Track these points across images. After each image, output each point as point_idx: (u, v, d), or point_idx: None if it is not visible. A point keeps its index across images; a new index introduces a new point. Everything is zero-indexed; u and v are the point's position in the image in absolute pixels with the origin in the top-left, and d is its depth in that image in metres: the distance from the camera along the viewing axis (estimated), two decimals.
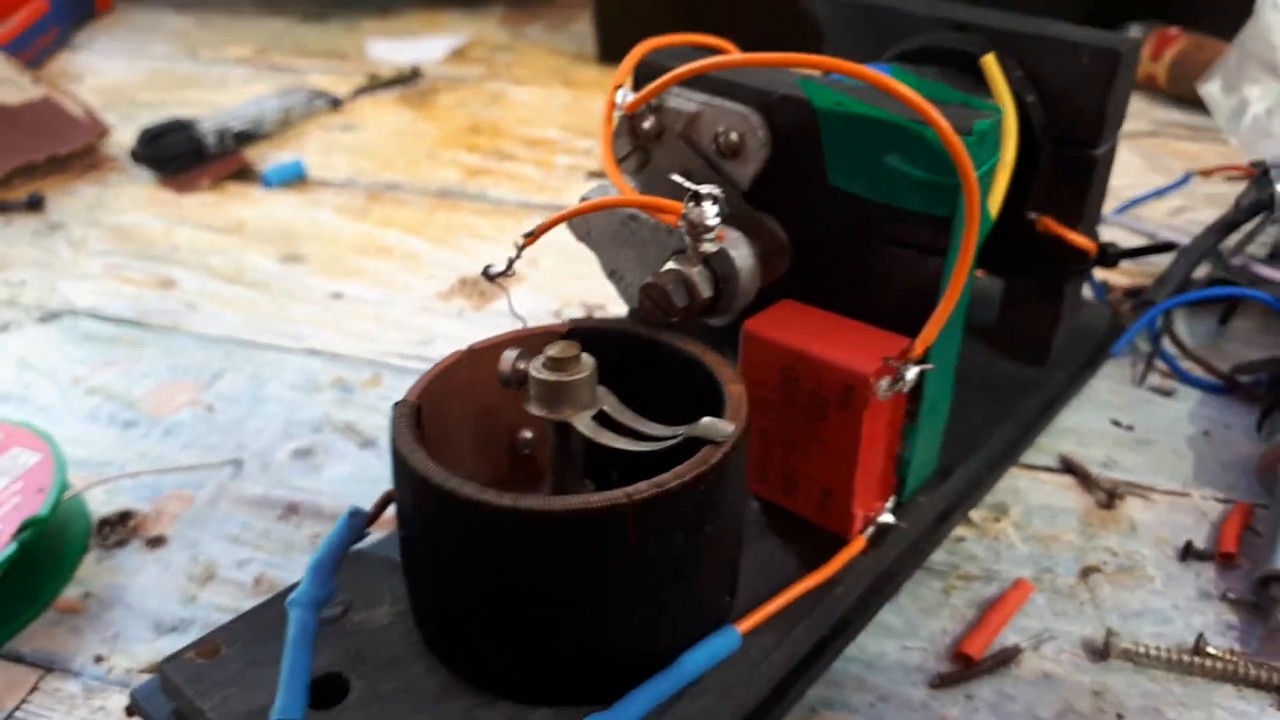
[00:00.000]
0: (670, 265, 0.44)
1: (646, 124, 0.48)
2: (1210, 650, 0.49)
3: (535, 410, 0.41)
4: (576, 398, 0.41)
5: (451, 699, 0.40)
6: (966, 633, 0.51)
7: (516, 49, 1.35)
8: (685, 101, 0.48)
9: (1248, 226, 0.75)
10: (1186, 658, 0.49)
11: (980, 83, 0.53)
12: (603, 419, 0.42)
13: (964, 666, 0.50)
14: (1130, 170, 0.96)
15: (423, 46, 1.33)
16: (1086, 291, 0.73)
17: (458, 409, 0.45)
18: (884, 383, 0.44)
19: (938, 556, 0.56)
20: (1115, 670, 0.49)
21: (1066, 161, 0.56)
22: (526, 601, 0.38)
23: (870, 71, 0.41)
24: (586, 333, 0.46)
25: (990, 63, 0.52)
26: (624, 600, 0.38)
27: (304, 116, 1.12)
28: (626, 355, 0.46)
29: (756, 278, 0.45)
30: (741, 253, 0.45)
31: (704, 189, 0.41)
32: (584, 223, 0.49)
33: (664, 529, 0.37)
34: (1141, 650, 0.49)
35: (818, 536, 0.48)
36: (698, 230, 0.42)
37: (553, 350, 0.41)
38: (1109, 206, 0.87)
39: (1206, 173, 0.91)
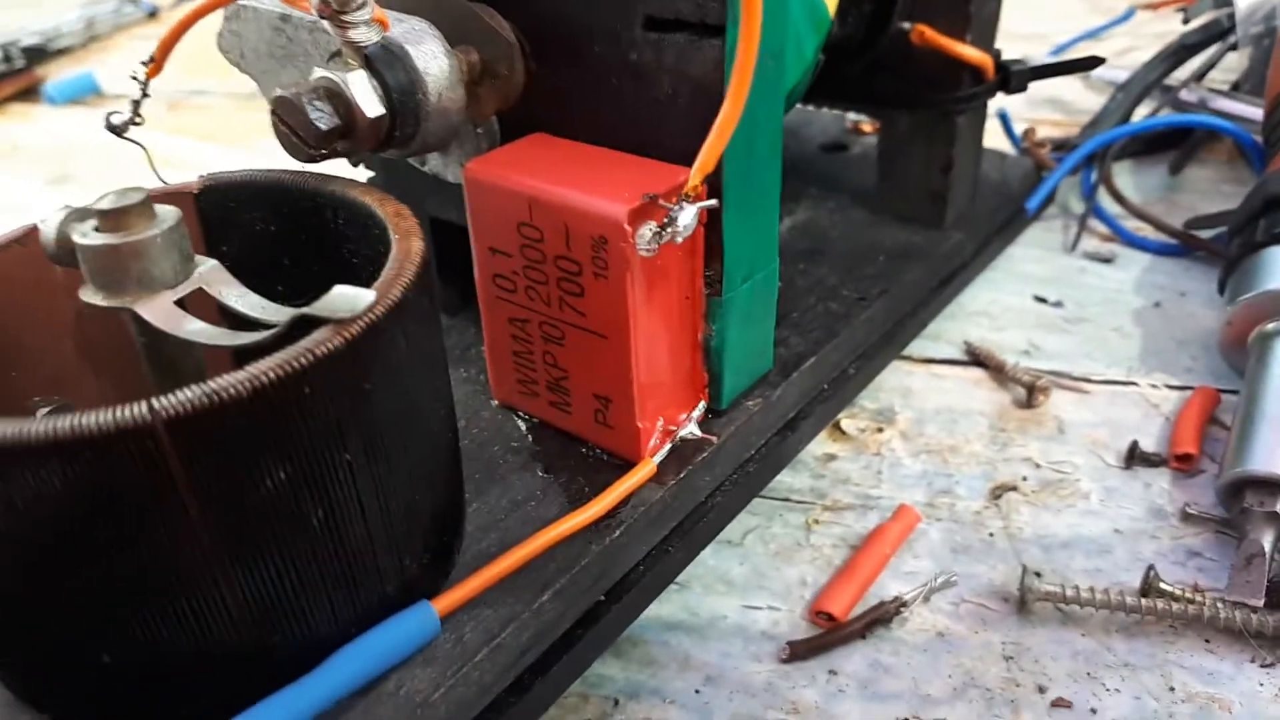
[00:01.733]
0: (318, 72, 0.29)
1: None
2: (1166, 588, 0.35)
3: (88, 296, 0.27)
4: (147, 271, 0.26)
5: None
6: (829, 582, 0.37)
7: None
8: None
9: (1204, 55, 0.60)
10: (1132, 600, 0.35)
11: None
12: (195, 303, 0.27)
13: (826, 630, 0.35)
14: (1066, 13, 0.81)
15: None
16: (1003, 142, 0.58)
17: (33, 306, 0.30)
18: (647, 229, 0.29)
19: (797, 482, 0.41)
20: (1036, 624, 0.35)
21: None
22: (42, 577, 0.23)
23: None
24: (226, 189, 0.31)
25: None
26: (190, 573, 0.23)
27: (114, 27, 0.96)
28: (287, 218, 0.32)
29: (458, 88, 0.31)
30: (427, 49, 0.30)
31: None
32: (235, 39, 0.34)
33: (233, 459, 0.23)
34: (1071, 594, 0.35)
35: (601, 465, 0.34)
36: (338, 11, 0.28)
37: (105, 201, 0.26)
38: (1039, 50, 0.72)
39: (1154, 6, 0.75)
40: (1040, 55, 0.72)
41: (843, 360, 0.41)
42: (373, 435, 0.25)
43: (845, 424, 0.44)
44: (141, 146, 0.35)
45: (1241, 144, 0.51)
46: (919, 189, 0.47)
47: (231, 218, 0.32)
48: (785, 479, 0.41)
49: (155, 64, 0.33)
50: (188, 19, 0.32)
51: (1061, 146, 0.60)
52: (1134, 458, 0.41)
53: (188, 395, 0.22)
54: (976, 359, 0.47)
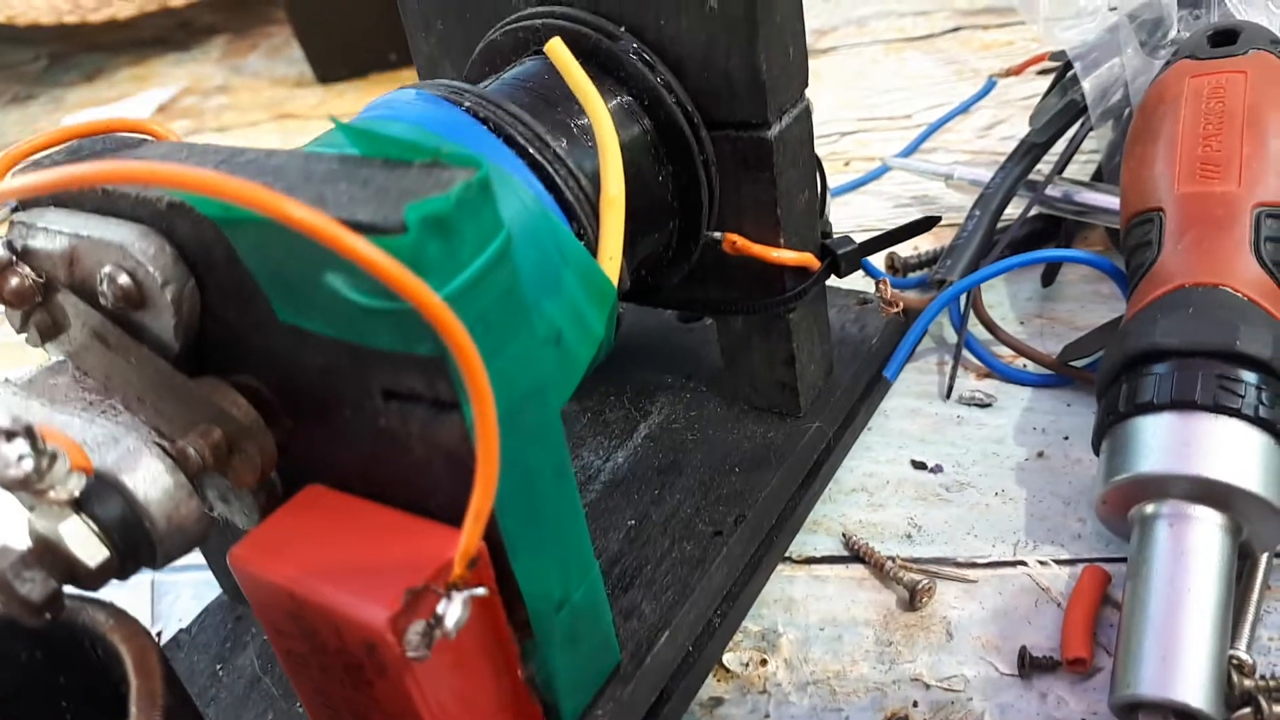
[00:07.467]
0: (29, 524, 0.27)
1: (14, 281, 0.31)
2: None
3: None
4: None
5: None
6: None
7: (232, 88, 1.15)
8: (54, 237, 0.30)
9: (1064, 139, 0.58)
10: None
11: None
12: None
13: None
14: (931, 85, 0.78)
15: (125, 108, 1.13)
16: (864, 283, 0.56)
17: None
18: (414, 633, 0.26)
19: None
20: None
21: (737, 153, 0.39)
22: None
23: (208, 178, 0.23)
24: None
25: (556, 50, 0.34)
26: None
27: None
28: (49, 646, 0.29)
29: (189, 503, 0.28)
30: (144, 473, 0.27)
31: None
32: None
33: None
34: None
35: None
36: (24, 485, 0.25)
37: None
38: (897, 146, 0.70)
39: (1014, 71, 0.73)
40: (908, 138, 0.70)
41: (705, 613, 0.39)
42: None
43: (728, 658, 0.41)
44: None
45: (1104, 271, 0.48)
46: (767, 381, 0.45)
47: None
48: None
49: None
50: None
51: (931, 262, 0.57)
52: (1025, 665, 0.39)
53: None
54: (856, 554, 0.44)
